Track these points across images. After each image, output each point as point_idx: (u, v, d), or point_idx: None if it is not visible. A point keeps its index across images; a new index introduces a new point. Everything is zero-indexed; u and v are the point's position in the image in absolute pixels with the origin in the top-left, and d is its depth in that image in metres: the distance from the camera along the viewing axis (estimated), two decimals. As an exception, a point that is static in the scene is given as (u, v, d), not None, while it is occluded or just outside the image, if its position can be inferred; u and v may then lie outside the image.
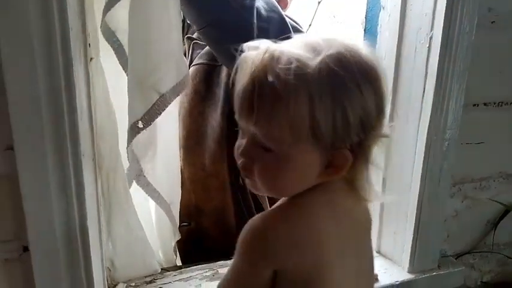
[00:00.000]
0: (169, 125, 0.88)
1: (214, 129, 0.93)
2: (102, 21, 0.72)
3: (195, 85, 0.97)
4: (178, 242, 0.96)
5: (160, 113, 0.72)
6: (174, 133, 0.90)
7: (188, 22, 1.09)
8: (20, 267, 0.64)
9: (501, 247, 1.09)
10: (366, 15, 1.05)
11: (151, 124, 0.72)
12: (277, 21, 0.84)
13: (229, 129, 0.91)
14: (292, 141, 0.47)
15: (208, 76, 0.96)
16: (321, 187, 0.52)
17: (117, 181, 0.81)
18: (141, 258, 0.88)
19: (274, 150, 0.49)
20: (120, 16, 0.72)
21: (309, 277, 0.50)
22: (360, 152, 0.50)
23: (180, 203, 0.93)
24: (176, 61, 0.73)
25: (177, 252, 0.98)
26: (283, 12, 0.88)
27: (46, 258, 0.62)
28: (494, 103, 0.96)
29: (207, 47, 1.00)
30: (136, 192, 0.87)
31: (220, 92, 0.93)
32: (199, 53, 1.00)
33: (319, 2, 1.26)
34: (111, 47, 0.74)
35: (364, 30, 1.05)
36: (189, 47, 1.04)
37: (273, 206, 0.55)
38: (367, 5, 1.05)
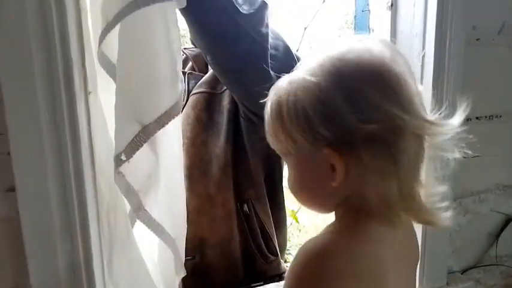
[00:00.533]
0: (173, 155, 0.85)
1: (218, 157, 0.92)
2: (98, 51, 0.71)
3: (196, 113, 0.97)
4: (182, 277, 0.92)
5: (142, 145, 0.70)
6: (178, 163, 0.88)
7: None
8: (21, 317, 0.60)
9: (503, 259, 1.09)
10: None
11: (132, 157, 0.70)
12: (283, 48, 0.86)
13: (234, 157, 0.90)
14: (288, 149, 0.49)
15: (209, 104, 0.97)
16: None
17: (117, 218, 0.77)
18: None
19: (286, 162, 0.52)
20: (116, 44, 0.71)
21: None
22: (352, 155, 0.45)
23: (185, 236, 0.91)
24: (166, 90, 0.72)
25: (182, 288, 0.94)
26: (285, 40, 0.90)
27: (50, 305, 0.58)
28: (485, 117, 0.98)
29: (206, 76, 1.01)
30: (136, 227, 0.84)
31: (223, 120, 0.93)
32: (195, 83, 1.01)
33: (305, 28, 1.28)
34: (112, 79, 0.72)
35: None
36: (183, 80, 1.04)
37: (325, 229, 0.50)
38: (354, 28, 1.08)
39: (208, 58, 0.86)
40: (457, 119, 0.49)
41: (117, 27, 0.67)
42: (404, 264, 0.51)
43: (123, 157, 0.72)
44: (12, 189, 0.55)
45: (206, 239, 0.96)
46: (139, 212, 0.79)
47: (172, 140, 0.84)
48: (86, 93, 0.65)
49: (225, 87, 0.98)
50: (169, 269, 0.90)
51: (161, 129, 0.79)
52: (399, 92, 0.44)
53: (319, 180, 0.48)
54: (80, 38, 0.61)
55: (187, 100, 1.02)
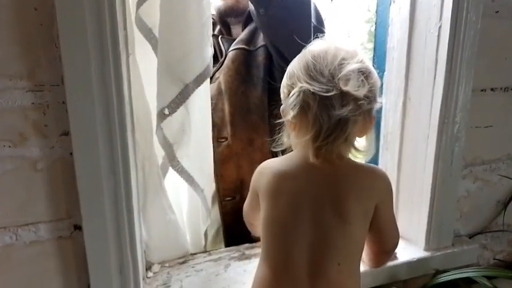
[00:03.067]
0: (202, 112, 0.94)
1: (257, 106, 1.05)
2: (136, 16, 0.79)
3: (236, 67, 1.09)
4: (224, 215, 1.05)
5: (185, 101, 0.79)
6: (207, 119, 0.97)
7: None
8: (72, 244, 0.71)
9: (511, 227, 1.14)
10: (376, 10, 1.11)
11: (176, 111, 0.79)
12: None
13: (270, 106, 1.02)
14: None
15: (246, 59, 1.09)
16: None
17: (152, 168, 0.87)
18: (174, 241, 0.94)
19: None
20: (154, 10, 0.79)
21: None
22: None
23: (228, 178, 1.05)
24: (200, 54, 0.80)
25: (207, 237, 1.04)
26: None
27: (96, 237, 0.68)
28: (501, 88, 1.01)
29: (242, 35, 1.13)
30: (168, 178, 0.94)
31: (260, 73, 1.06)
32: (228, 44, 1.13)
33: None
34: (149, 42, 0.81)
35: (375, 23, 1.11)
36: (217, 43, 1.16)
37: None
38: (377, 0, 1.11)
39: (261, 11, 0.96)
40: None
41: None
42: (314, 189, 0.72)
43: (166, 111, 0.81)
44: (66, 133, 0.64)
45: (246, 181, 1.05)
46: (173, 162, 0.88)
47: (201, 98, 0.92)
48: (127, 54, 0.73)
49: (259, 45, 1.08)
50: (196, 216, 1.00)
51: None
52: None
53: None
54: (123, 4, 0.69)
55: (225, 56, 1.13)
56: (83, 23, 0.59)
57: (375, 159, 1.11)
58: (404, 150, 1.02)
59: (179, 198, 1.02)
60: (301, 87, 0.69)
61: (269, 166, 0.76)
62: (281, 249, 0.71)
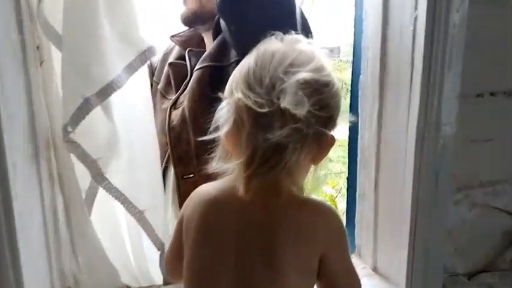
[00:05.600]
0: (137, 125, 0.82)
1: None
2: (39, 19, 0.68)
3: (201, 89, 0.90)
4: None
5: (84, 117, 0.67)
6: (147, 134, 0.84)
7: None
8: None
9: (526, 264, 0.92)
10: (355, 2, 0.94)
11: (76, 128, 0.68)
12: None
13: None
14: None
15: (215, 79, 0.90)
16: None
17: (71, 191, 0.76)
18: (103, 274, 0.82)
19: None
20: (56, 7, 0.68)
21: None
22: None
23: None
24: (103, 64, 0.68)
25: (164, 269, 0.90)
26: None
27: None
28: (504, 92, 0.82)
29: (210, 49, 0.95)
30: (107, 202, 0.82)
31: None
32: (196, 59, 0.95)
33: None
34: (51, 41, 0.69)
35: (354, 18, 0.95)
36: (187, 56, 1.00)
37: None
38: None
39: (233, 28, 0.81)
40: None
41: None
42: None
43: (69, 128, 0.70)
44: None
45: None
46: (97, 177, 0.77)
47: (135, 110, 0.81)
48: (40, 61, 0.63)
49: (233, 59, 0.91)
50: (138, 241, 0.87)
51: (120, 100, 0.77)
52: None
53: None
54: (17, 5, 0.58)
55: (191, 76, 0.97)
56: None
57: (353, 181, 0.95)
58: (382, 169, 0.85)
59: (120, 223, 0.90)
60: (236, 97, 0.54)
61: (201, 192, 0.61)
62: None
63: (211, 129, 0.58)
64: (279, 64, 0.53)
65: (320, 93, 0.53)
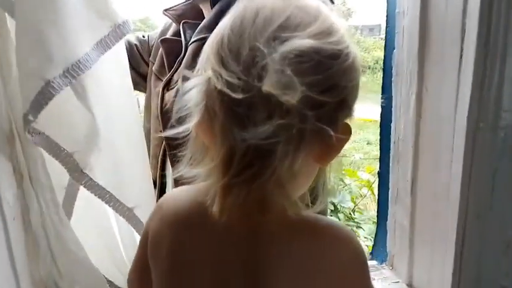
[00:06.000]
0: (119, 117, 0.72)
1: None
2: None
3: (197, 64, 0.80)
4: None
5: (47, 103, 0.55)
6: (131, 126, 0.74)
7: None
8: None
9: None
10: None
11: (38, 116, 0.56)
12: None
13: None
14: None
15: None
16: None
17: (44, 190, 0.66)
18: (87, 283, 0.73)
19: None
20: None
21: None
22: None
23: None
24: (67, 38, 0.55)
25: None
26: None
27: None
28: None
29: (205, 21, 0.85)
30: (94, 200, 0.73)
31: None
32: (192, 32, 0.85)
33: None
34: (1, 6, 0.57)
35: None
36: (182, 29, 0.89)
37: None
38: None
39: None
40: None
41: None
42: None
43: (30, 117, 0.59)
44: None
45: None
46: (75, 174, 0.67)
47: (118, 98, 0.70)
48: None
49: None
50: (131, 242, 0.78)
51: (97, 86, 0.66)
52: None
53: None
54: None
55: (186, 49, 0.87)
56: None
57: (385, 178, 0.79)
58: (421, 165, 0.70)
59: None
60: (206, 76, 0.39)
61: (170, 205, 0.47)
62: None
63: (175, 118, 0.41)
64: (264, 27, 0.36)
65: (324, 68, 0.36)
